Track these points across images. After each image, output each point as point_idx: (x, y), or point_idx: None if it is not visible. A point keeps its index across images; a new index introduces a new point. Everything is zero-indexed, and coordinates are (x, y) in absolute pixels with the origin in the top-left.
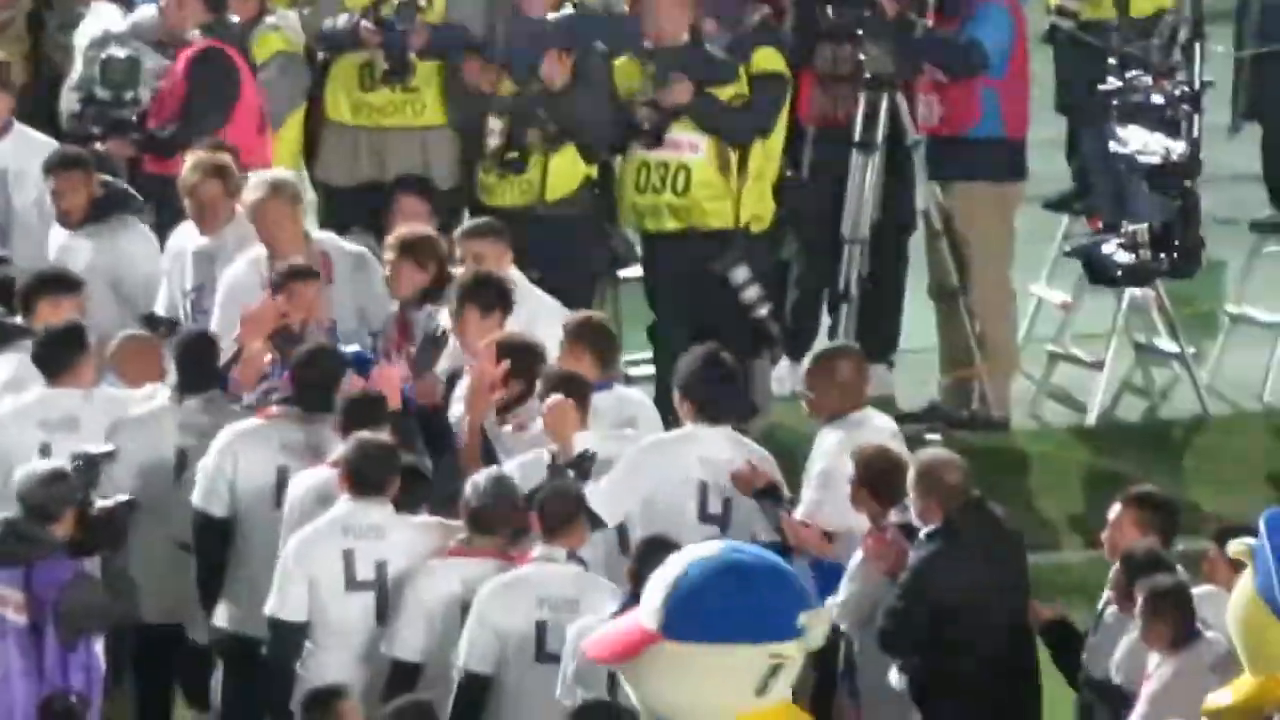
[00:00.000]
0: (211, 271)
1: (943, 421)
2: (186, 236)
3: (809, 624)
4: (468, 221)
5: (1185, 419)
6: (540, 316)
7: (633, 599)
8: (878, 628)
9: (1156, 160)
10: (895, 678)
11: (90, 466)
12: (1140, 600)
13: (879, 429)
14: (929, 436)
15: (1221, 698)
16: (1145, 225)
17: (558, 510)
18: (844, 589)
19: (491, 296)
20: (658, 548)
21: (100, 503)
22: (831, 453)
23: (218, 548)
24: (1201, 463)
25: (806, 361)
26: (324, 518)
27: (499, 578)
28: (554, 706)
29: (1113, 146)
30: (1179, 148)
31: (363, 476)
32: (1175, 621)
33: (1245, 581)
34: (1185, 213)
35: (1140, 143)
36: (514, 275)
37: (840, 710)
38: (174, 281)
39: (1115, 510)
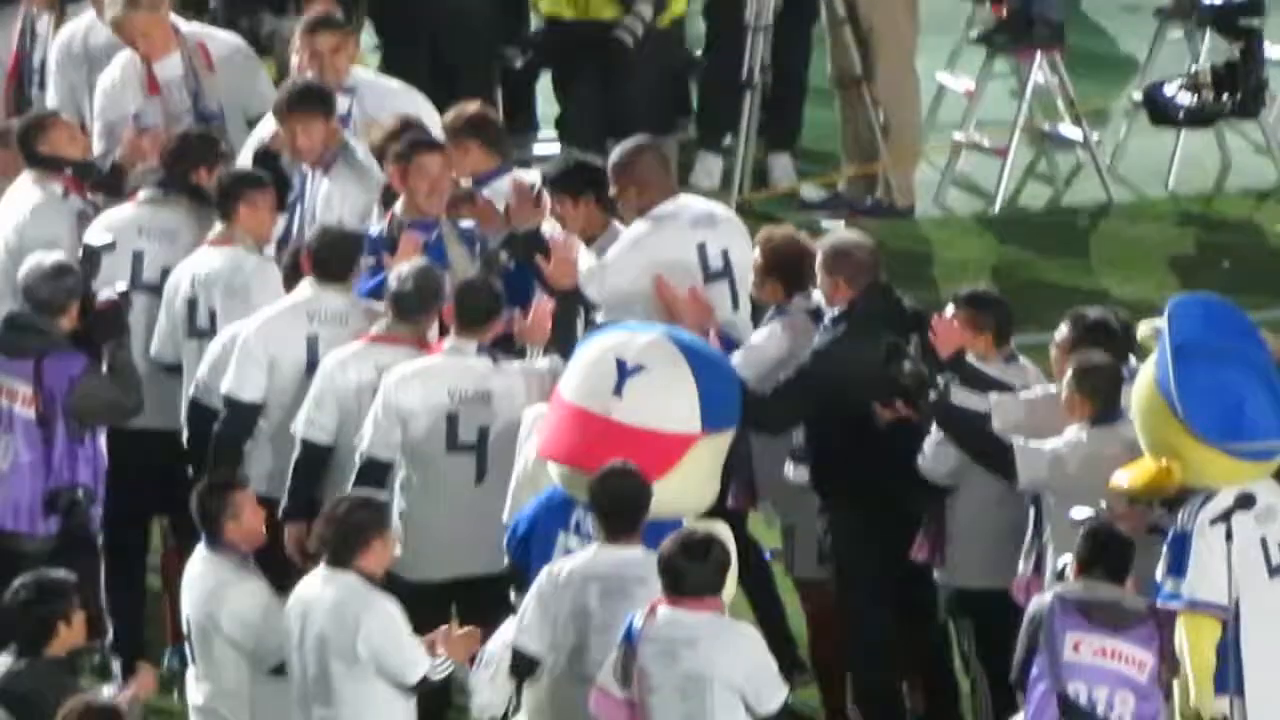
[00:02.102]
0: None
1: (847, 209)
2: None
3: None
4: (308, 13)
5: (1089, 206)
6: (390, 97)
7: None
8: (756, 397)
9: (1219, 1)
10: (791, 469)
11: (92, 258)
12: (1069, 372)
13: (691, 217)
14: (831, 224)
15: (1122, 479)
16: (1208, 66)
17: (474, 304)
18: (740, 353)
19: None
20: None
21: (103, 294)
22: (624, 245)
23: None
24: (1106, 249)
25: (610, 159)
26: (286, 302)
27: (406, 365)
28: (466, 495)
29: None
30: None
31: (325, 263)
32: (1097, 398)
33: (1149, 367)
34: (1247, 52)
35: None
36: (356, 72)
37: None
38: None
39: (948, 311)
